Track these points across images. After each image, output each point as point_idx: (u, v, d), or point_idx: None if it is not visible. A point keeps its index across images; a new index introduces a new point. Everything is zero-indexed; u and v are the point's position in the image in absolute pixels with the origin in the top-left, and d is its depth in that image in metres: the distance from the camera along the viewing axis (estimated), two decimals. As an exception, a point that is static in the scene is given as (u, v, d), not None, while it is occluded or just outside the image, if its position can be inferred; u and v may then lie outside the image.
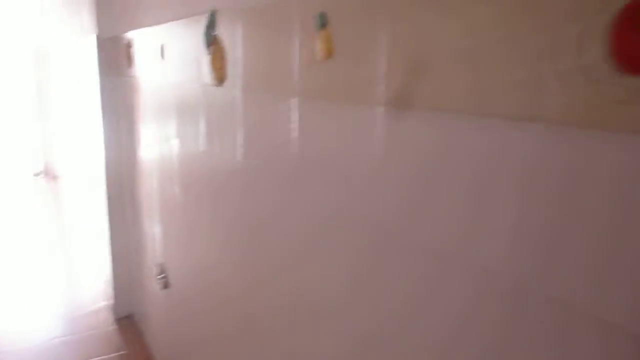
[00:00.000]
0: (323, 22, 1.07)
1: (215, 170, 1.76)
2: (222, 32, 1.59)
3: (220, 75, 1.61)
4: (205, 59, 1.71)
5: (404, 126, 0.90)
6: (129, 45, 2.75)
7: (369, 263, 1.02)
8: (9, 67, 8.04)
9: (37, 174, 7.45)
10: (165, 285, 2.44)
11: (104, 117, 3.11)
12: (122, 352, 3.04)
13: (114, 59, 3.01)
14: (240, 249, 1.64)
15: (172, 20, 2.09)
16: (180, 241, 2.23)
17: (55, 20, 6.03)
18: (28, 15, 7.40)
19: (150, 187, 2.72)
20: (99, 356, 3.03)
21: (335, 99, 1.07)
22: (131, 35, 2.71)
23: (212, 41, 1.65)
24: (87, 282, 3.98)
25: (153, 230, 2.70)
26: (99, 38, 3.03)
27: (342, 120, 1.06)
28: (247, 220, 1.57)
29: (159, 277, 2.47)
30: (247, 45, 1.44)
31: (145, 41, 2.51)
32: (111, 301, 3.43)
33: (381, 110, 0.94)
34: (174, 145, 2.17)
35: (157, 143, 2.44)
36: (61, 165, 6.59)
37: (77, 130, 4.74)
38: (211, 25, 1.64)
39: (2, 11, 7.70)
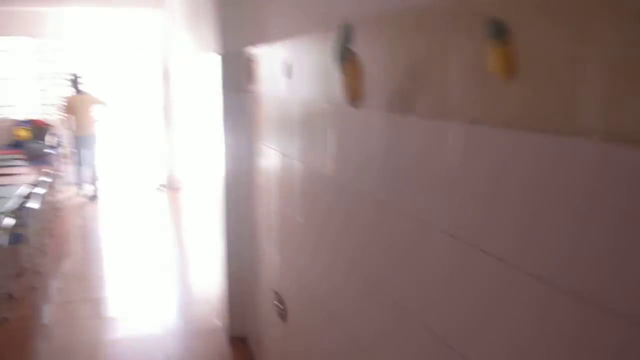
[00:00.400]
0: (501, 33, 0.85)
1: (345, 197, 1.58)
2: (359, 46, 1.42)
3: (355, 93, 1.43)
4: (337, 76, 1.55)
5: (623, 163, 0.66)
6: (251, 61, 2.68)
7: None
8: (140, 86, 8.54)
9: (160, 187, 7.77)
10: (282, 315, 2.30)
11: (225, 133, 3.08)
12: (235, 376, 2.97)
13: (237, 75, 2.97)
14: (370, 286, 1.45)
15: (298, 36, 1.96)
16: (301, 269, 2.08)
17: (181, 38, 6.26)
18: (156, 34, 7.80)
19: (268, 208, 2.61)
20: (212, 378, 2.97)
21: (515, 127, 0.84)
22: (254, 51, 2.64)
23: (346, 57, 1.48)
24: (203, 298, 3.98)
25: (270, 253, 2.59)
26: (222, 54, 3.00)
27: (526, 153, 0.83)
28: (381, 256, 1.37)
29: (276, 305, 2.34)
30: (390, 60, 1.25)
31: (268, 57, 2.42)
32: (225, 321, 3.38)
33: (589, 145, 0.71)
34: (298, 166, 2.03)
35: (279, 162, 2.32)
36: (183, 178, 6.82)
37: (199, 145, 4.83)
38: (346, 39, 1.48)
39: (132, 32, 8.19)
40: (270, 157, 2.47)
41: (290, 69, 2.06)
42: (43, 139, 7.27)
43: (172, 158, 7.56)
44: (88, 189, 7.30)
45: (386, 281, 1.35)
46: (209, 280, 4.05)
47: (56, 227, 5.78)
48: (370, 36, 1.36)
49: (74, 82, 7.08)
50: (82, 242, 5.49)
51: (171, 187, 7.55)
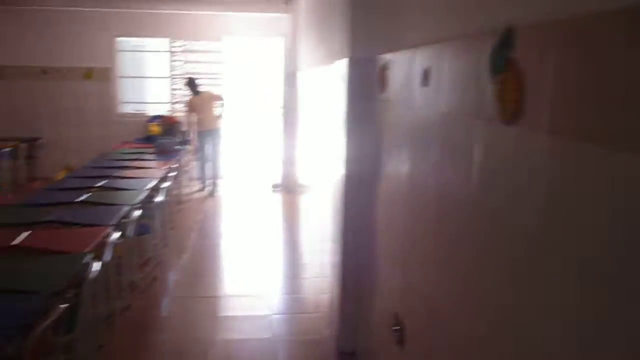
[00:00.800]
0: None
1: (489, 225, 1.40)
2: (521, 54, 1.23)
3: (513, 109, 1.25)
4: (490, 88, 1.37)
5: None
6: (384, 68, 2.55)
7: None
8: (264, 87, 8.79)
9: (274, 187, 7.89)
10: (400, 341, 2.14)
11: (348, 139, 2.98)
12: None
13: (365, 81, 2.85)
14: (511, 330, 1.26)
15: (440, 41, 1.80)
16: (427, 296, 1.91)
17: (308, 42, 6.29)
18: (283, 37, 7.93)
19: (391, 222, 2.47)
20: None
21: None
22: (387, 57, 2.51)
23: (504, 66, 1.30)
24: (314, 306, 3.92)
25: (391, 271, 2.44)
26: (350, 60, 2.90)
27: None
28: (528, 297, 1.18)
29: (394, 328, 2.19)
30: (565, 73, 1.06)
31: (402, 64, 2.27)
32: (335, 333, 3.28)
33: None
34: (432, 182, 1.86)
35: (408, 176, 2.17)
36: (301, 181, 6.86)
37: (321, 149, 4.79)
38: (504, 46, 1.30)
39: (261, 35, 8.41)
40: (398, 170, 2.32)
41: (428, 78, 1.90)
42: (172, 135, 7.65)
43: (290, 160, 7.64)
44: (209, 185, 7.59)
45: (533, 329, 1.15)
46: (322, 289, 3.98)
47: (178, 221, 6.03)
48: (537, 43, 1.17)
49: (192, 85, 7.41)
50: (201, 237, 5.67)
51: (287, 189, 7.63)
